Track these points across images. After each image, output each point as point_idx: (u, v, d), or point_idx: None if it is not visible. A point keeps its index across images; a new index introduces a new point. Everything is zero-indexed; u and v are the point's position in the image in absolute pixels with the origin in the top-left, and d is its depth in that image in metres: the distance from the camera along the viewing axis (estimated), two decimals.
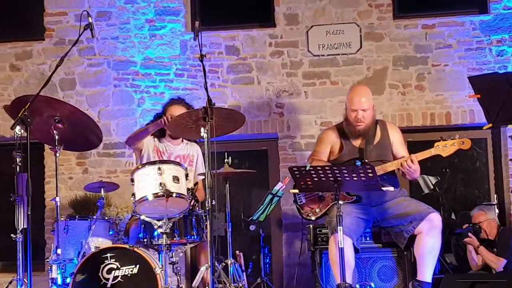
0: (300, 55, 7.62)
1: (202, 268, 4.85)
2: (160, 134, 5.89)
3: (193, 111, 4.97)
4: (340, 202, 4.81)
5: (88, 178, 7.52)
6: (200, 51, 4.85)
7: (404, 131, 6.50)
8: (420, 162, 5.32)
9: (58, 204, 5.03)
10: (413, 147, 6.17)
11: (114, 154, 7.63)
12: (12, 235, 4.53)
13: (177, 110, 5.76)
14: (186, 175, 4.95)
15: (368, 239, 5.58)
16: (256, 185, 7.55)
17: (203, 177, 5.62)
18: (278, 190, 5.75)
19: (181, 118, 5.07)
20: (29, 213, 4.50)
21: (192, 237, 4.95)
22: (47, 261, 5.35)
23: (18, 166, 4.50)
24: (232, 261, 5.20)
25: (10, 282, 4.89)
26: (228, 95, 7.63)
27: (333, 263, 5.13)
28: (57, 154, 5.07)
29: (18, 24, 8.20)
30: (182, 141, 5.89)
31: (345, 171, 4.76)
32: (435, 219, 5.25)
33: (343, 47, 7.55)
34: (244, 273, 5.52)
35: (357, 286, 5.40)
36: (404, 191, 5.72)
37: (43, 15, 7.91)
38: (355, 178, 4.79)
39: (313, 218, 5.50)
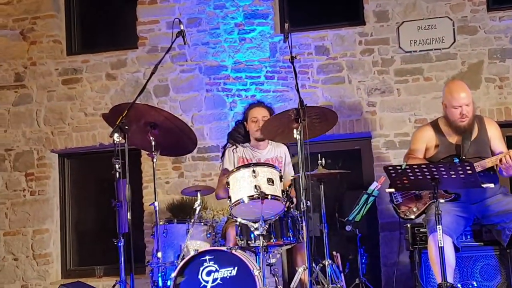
0: (391, 52, 7.51)
1: (300, 270, 4.84)
2: (244, 140, 5.90)
3: (285, 113, 4.96)
4: (441, 200, 4.71)
5: (184, 182, 7.66)
6: (290, 52, 4.85)
7: (502, 125, 6.30)
8: None
9: (157, 208, 5.13)
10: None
11: (208, 158, 7.73)
12: (113, 239, 4.65)
13: (258, 113, 5.78)
14: (280, 177, 4.95)
15: (468, 237, 5.45)
16: (351, 185, 7.49)
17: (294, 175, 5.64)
18: (374, 190, 5.70)
19: (273, 120, 5.09)
20: (130, 218, 4.62)
21: (289, 239, 4.95)
22: (148, 265, 5.47)
23: (117, 173, 4.63)
24: (330, 262, 5.17)
25: (114, 286, 5.02)
26: (319, 95, 7.60)
27: (433, 262, 5.02)
28: (154, 160, 5.18)
29: (112, 34, 8.45)
30: (268, 143, 5.89)
31: (443, 169, 4.65)
32: None
33: (436, 42, 7.39)
34: (342, 274, 5.48)
35: (459, 285, 5.27)
36: (506, 188, 5.55)
37: (135, 24, 8.10)
38: (453, 176, 4.67)
39: (412, 216, 5.41)
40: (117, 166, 4.62)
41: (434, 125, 5.54)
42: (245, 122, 5.94)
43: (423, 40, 7.42)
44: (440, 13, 7.42)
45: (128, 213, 4.62)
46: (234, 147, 5.89)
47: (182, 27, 5.05)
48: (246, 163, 5.65)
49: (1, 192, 8.09)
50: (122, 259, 4.62)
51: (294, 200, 5.51)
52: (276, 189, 4.83)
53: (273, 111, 5.91)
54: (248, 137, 5.90)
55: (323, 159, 5.46)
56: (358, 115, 7.50)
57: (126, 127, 4.65)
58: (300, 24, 7.68)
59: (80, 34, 8.53)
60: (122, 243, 4.62)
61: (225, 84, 7.83)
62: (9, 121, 8.20)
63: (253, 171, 4.84)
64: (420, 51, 7.44)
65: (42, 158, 8.09)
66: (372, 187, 5.72)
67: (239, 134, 5.96)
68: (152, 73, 4.97)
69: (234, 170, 5.00)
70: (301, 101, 4.69)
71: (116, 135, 4.60)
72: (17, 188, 8.06)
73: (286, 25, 4.94)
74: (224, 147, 6.01)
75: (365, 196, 5.71)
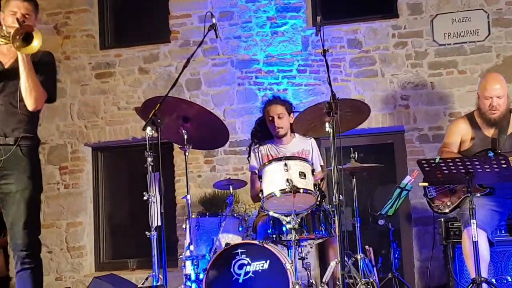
0: (425, 45, 7.44)
1: (332, 263, 4.82)
2: (266, 137, 5.87)
3: (317, 107, 4.93)
4: (478, 194, 4.65)
5: (215, 175, 7.67)
6: (323, 46, 4.81)
7: None
8: None
9: (189, 201, 5.15)
10: None
11: (240, 152, 7.73)
12: (146, 232, 4.68)
13: (272, 111, 5.74)
14: (312, 171, 4.94)
15: (503, 232, 5.40)
16: (383, 179, 7.44)
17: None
18: (407, 184, 5.66)
19: (304, 114, 5.06)
20: (162, 211, 4.65)
21: (321, 232, 4.93)
22: (181, 258, 5.49)
23: (150, 166, 4.65)
24: (362, 256, 5.14)
25: (147, 279, 5.06)
26: (352, 89, 7.56)
27: (467, 257, 4.97)
28: (187, 153, 5.20)
29: (145, 28, 8.49)
30: (292, 137, 5.84)
31: (477, 163, 4.59)
32: None
33: (470, 35, 7.29)
34: (375, 268, 5.45)
35: (493, 280, 5.21)
36: None
37: (168, 18, 8.13)
38: (487, 170, 4.61)
39: (446, 211, 5.36)
40: (149, 159, 4.65)
41: (470, 117, 5.48)
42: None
43: (457, 33, 7.33)
44: (474, 6, 7.32)
45: (161, 207, 4.64)
46: (258, 145, 5.89)
47: (214, 20, 5.05)
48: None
49: None
50: (155, 252, 4.65)
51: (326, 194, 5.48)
52: (308, 183, 4.82)
53: (289, 105, 5.86)
54: (270, 133, 5.87)
55: (356, 152, 5.42)
56: (391, 108, 7.45)
57: (159, 120, 4.67)
58: (332, 17, 7.64)
59: (113, 29, 8.58)
60: (154, 236, 4.65)
61: (257, 77, 7.82)
62: (43, 115, 8.20)
63: (285, 164, 4.82)
64: (454, 44, 7.35)
65: (76, 151, 8.17)
66: (405, 181, 5.68)
67: (261, 133, 5.94)
68: (184, 67, 4.98)
69: (266, 163, 4.99)
70: (333, 95, 4.65)
71: (148, 128, 4.62)
72: (51, 182, 8.15)
73: (319, 18, 4.91)
74: (250, 147, 6.00)
75: (398, 190, 5.68)
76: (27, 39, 3.89)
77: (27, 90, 4.07)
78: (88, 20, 8.35)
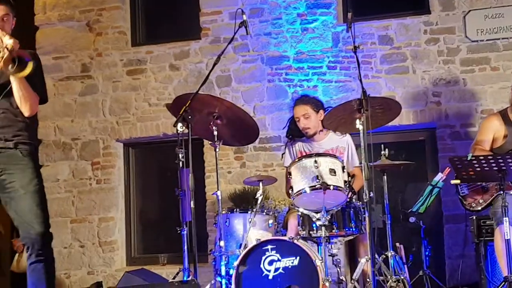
0: (457, 41, 7.37)
1: (362, 260, 4.80)
2: (300, 134, 5.85)
3: (348, 103, 4.91)
4: (511, 192, 4.61)
5: (245, 172, 7.69)
6: (353, 42, 4.80)
7: None
8: None
9: (219, 197, 5.17)
10: None
11: (270, 148, 7.74)
12: (177, 228, 4.71)
13: (298, 112, 5.71)
14: (343, 168, 4.93)
15: None
16: (414, 176, 7.39)
17: (358, 164, 5.60)
18: (438, 181, 5.62)
19: (335, 111, 5.05)
20: (193, 206, 4.68)
21: (351, 229, 4.92)
22: (211, 253, 5.52)
23: (181, 162, 4.68)
24: (393, 253, 5.12)
25: (177, 273, 5.09)
26: (382, 85, 7.52)
27: (499, 255, 4.93)
28: (217, 149, 5.22)
29: (175, 25, 8.53)
30: (326, 134, 5.81)
31: (510, 160, 4.55)
32: None
33: (504, 31, 7.20)
34: (405, 266, 5.43)
35: None
36: None
37: (199, 15, 8.16)
38: None
39: (478, 208, 5.31)
40: (180, 155, 4.67)
41: (503, 114, 5.42)
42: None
43: (490, 29, 7.25)
44: (508, 2, 7.23)
45: (191, 202, 4.67)
46: (292, 141, 5.88)
47: (244, 17, 5.06)
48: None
49: (68, 181, 8.28)
50: (185, 247, 4.68)
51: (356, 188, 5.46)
52: (338, 180, 4.82)
53: (315, 103, 5.79)
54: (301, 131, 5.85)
55: (387, 149, 5.41)
56: (422, 105, 7.39)
57: (190, 117, 4.70)
58: (363, 14, 7.60)
59: (144, 25, 8.64)
60: (185, 232, 4.69)
61: (287, 74, 7.82)
62: (76, 111, 8.37)
63: (315, 161, 4.83)
64: (487, 40, 7.28)
65: (108, 147, 8.25)
66: (436, 178, 5.64)
67: (294, 130, 5.92)
68: (215, 64, 5.00)
69: (296, 160, 5.00)
70: (364, 91, 4.64)
71: (179, 125, 4.66)
72: (83, 177, 8.24)
73: (350, 14, 4.90)
74: (285, 144, 6.00)
75: (429, 188, 5.64)
76: (18, 62, 3.91)
77: (21, 99, 4.11)
78: (120, 17, 8.41)
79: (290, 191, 4.90)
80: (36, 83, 4.20)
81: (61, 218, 8.19)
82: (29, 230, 4.14)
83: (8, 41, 3.91)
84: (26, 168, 4.20)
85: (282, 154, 6.02)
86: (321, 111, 5.71)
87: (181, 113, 4.67)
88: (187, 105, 4.70)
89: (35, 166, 4.26)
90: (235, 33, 5.11)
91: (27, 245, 4.17)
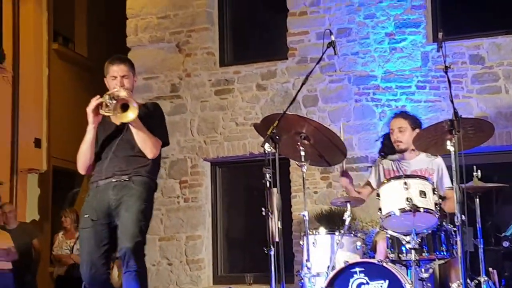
0: None
1: (454, 286, 4.68)
2: (389, 152, 5.76)
3: (438, 124, 4.81)
4: None
5: (332, 192, 7.65)
6: (444, 62, 4.72)
7: None
8: None
9: (306, 218, 5.15)
10: None
11: (357, 169, 7.67)
12: (264, 248, 4.71)
13: (394, 124, 5.62)
14: (433, 190, 4.82)
15: None
16: (508, 200, 7.16)
17: (449, 186, 5.47)
18: None
19: (425, 132, 4.96)
20: (280, 227, 4.67)
21: (442, 253, 4.79)
22: (298, 274, 5.49)
23: (268, 182, 4.69)
24: (485, 278, 4.95)
25: None
26: (474, 105, 7.35)
27: None
28: (304, 170, 5.20)
29: (263, 46, 8.61)
30: (417, 154, 5.70)
31: None
32: None
33: None
34: None
35: None
36: None
37: (285, 35, 8.20)
38: None
39: None
40: (267, 175, 4.68)
41: None
42: None
43: None
44: None
45: (279, 222, 4.67)
46: (381, 159, 5.80)
47: (333, 38, 5.04)
48: (392, 175, 5.53)
49: (156, 199, 8.35)
50: (272, 267, 4.67)
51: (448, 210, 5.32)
52: (428, 202, 4.70)
53: (414, 121, 5.70)
54: (393, 148, 5.76)
55: (479, 171, 5.26)
56: None
57: (277, 137, 4.71)
58: (453, 33, 7.47)
59: (232, 46, 8.76)
60: (272, 252, 4.68)
61: (374, 94, 7.75)
62: None
63: (405, 183, 4.74)
64: None
65: (195, 166, 8.37)
66: None
67: (387, 147, 5.84)
68: (303, 84, 4.99)
69: (385, 181, 4.92)
70: (455, 112, 4.54)
71: (267, 145, 4.67)
72: (171, 195, 8.38)
73: (440, 34, 4.81)
74: (375, 163, 5.93)
75: None
76: (124, 108, 4.41)
77: (142, 143, 4.53)
78: (208, 38, 8.56)
79: (378, 212, 4.83)
80: (158, 130, 4.67)
81: (150, 235, 8.28)
82: (124, 244, 4.36)
83: (122, 93, 4.46)
84: (134, 194, 4.50)
85: (369, 167, 5.94)
86: (417, 130, 5.59)
87: (268, 133, 4.68)
88: (274, 125, 4.70)
89: (143, 192, 4.54)
90: (323, 54, 5.10)
91: (122, 256, 4.37)
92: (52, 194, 10.72)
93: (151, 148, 4.56)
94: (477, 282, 4.92)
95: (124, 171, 4.55)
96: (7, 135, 9.75)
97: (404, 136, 5.59)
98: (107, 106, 4.45)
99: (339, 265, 5.02)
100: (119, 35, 9.02)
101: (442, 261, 4.97)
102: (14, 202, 9.59)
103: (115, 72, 4.68)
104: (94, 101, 4.50)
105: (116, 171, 4.54)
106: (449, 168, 4.91)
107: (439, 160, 5.64)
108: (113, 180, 4.52)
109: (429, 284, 4.78)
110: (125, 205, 4.46)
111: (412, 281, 4.66)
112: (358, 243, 5.44)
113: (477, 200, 5.29)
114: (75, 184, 11.46)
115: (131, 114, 4.39)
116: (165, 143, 4.77)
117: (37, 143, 10.18)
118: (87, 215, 4.53)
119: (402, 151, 5.68)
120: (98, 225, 4.50)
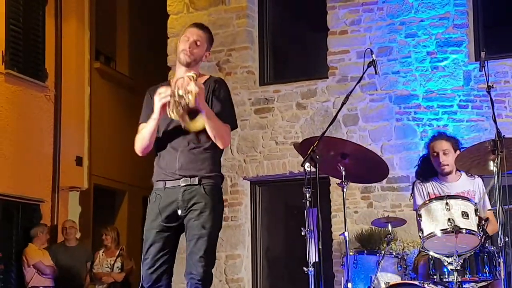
0: None
1: None
2: (429, 174, 5.68)
3: (481, 144, 4.75)
4: None
5: (372, 212, 7.59)
6: (487, 81, 4.68)
7: None
8: None
9: (347, 238, 5.11)
10: None
11: (398, 188, 7.60)
12: (304, 268, 4.69)
13: (438, 147, 5.54)
14: (476, 211, 4.75)
15: None
16: None
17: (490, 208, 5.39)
18: None
19: (468, 152, 4.90)
20: (320, 247, 4.64)
21: (484, 275, 4.73)
22: None
23: (308, 201, 4.67)
24: None
25: None
26: None
27: None
28: (345, 189, 5.17)
29: (303, 64, 8.63)
30: (459, 176, 5.61)
31: None
32: None
33: None
34: None
35: None
36: None
37: (326, 54, 8.20)
38: None
39: None
40: (307, 195, 4.66)
41: None
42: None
43: None
44: None
45: (319, 242, 4.64)
46: (421, 182, 5.71)
47: (373, 57, 5.01)
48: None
49: None
50: (312, 287, 4.64)
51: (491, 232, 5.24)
52: (471, 223, 4.65)
53: (456, 142, 5.63)
54: (435, 171, 5.68)
55: None
56: None
57: (317, 157, 4.69)
58: (496, 52, 7.38)
59: (272, 65, 8.79)
60: (312, 272, 4.65)
61: (415, 113, 7.70)
62: None
63: (447, 203, 4.69)
64: None
65: (235, 185, 8.38)
66: None
67: (425, 170, 5.76)
68: (343, 103, 4.96)
69: (427, 202, 4.88)
70: (498, 132, 4.48)
71: (307, 164, 4.66)
72: None
73: (483, 53, 4.78)
74: (413, 184, 5.84)
75: None
76: (193, 114, 4.07)
77: (214, 132, 4.17)
78: (248, 57, 8.60)
79: (420, 233, 4.77)
80: (224, 111, 4.30)
81: None
82: (191, 270, 4.19)
83: (193, 88, 4.03)
84: (205, 208, 4.21)
85: (411, 194, 5.88)
86: (458, 151, 5.53)
87: (308, 153, 4.68)
88: (315, 144, 4.70)
89: (214, 206, 4.26)
90: (364, 73, 5.07)
91: (187, 280, 4.24)
92: (93, 212, 10.84)
93: (224, 137, 4.23)
94: None
95: (191, 170, 4.18)
96: (49, 153, 9.90)
97: (449, 158, 5.51)
98: (175, 106, 4.05)
99: (380, 286, 4.98)
100: (161, 54, 9.11)
101: (484, 283, 4.90)
102: (55, 220, 9.74)
103: (189, 33, 4.40)
104: (163, 97, 4.08)
105: (183, 170, 4.18)
106: (492, 188, 4.84)
107: (479, 181, 5.57)
108: (182, 184, 4.18)
109: None
110: (198, 221, 4.17)
111: None
112: (399, 264, 5.40)
113: None
114: (115, 202, 11.60)
115: (199, 125, 4.04)
116: (233, 128, 4.41)
117: (79, 161, 10.30)
118: (153, 219, 4.23)
119: (447, 174, 5.60)
120: (164, 230, 4.21)
